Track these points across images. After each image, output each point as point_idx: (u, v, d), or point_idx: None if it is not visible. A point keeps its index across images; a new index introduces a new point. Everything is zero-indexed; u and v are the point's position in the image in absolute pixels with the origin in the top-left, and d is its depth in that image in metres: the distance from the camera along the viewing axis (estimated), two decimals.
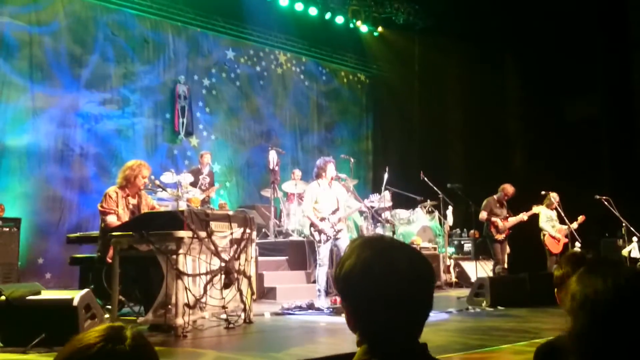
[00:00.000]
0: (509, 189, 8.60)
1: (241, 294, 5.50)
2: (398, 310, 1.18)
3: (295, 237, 9.44)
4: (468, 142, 12.83)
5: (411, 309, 1.19)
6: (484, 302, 7.02)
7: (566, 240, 8.95)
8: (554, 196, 8.91)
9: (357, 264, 1.20)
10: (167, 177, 8.27)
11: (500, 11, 11.50)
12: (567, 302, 1.20)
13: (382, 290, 1.17)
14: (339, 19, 12.89)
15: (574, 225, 8.84)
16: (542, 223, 8.96)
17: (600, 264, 1.25)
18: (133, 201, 5.70)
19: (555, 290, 2.05)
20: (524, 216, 8.64)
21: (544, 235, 8.96)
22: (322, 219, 6.91)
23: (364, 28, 13.47)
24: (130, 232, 4.86)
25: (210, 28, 11.45)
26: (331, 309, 6.34)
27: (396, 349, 1.18)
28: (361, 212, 9.24)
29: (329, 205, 6.97)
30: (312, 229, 7.01)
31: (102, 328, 0.99)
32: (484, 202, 8.61)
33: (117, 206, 5.55)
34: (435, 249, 10.22)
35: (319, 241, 6.89)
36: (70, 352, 0.96)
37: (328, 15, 12.71)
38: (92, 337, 0.97)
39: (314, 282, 7.35)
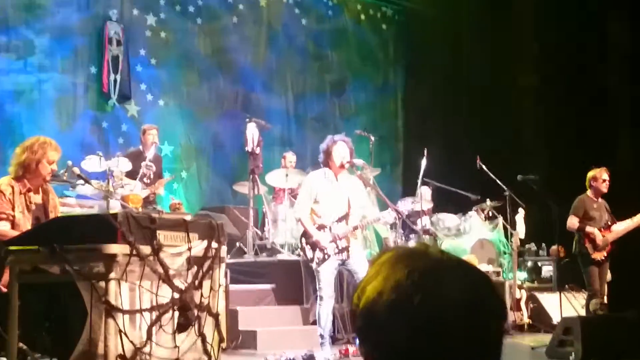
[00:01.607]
0: (598, 172, 8.52)
1: (204, 341, 5.49)
2: None
3: (285, 256, 9.45)
4: (549, 113, 12.77)
5: None
6: (573, 354, 7.02)
7: None
8: None
9: (386, 290, 1.20)
10: (92, 164, 8.27)
11: None
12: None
13: (423, 332, 1.17)
14: None
15: None
16: None
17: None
18: (36, 199, 5.72)
19: None
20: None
21: None
22: (321, 227, 6.89)
23: None
24: (36, 247, 4.83)
25: None
26: None
27: None
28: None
29: (334, 207, 6.95)
30: (303, 240, 7.00)
31: None
32: (575, 202, 8.58)
33: (13, 208, 5.54)
34: (498, 273, 10.24)
35: (311, 260, 6.88)
36: None
37: None
38: None
39: (314, 323, 7.37)
